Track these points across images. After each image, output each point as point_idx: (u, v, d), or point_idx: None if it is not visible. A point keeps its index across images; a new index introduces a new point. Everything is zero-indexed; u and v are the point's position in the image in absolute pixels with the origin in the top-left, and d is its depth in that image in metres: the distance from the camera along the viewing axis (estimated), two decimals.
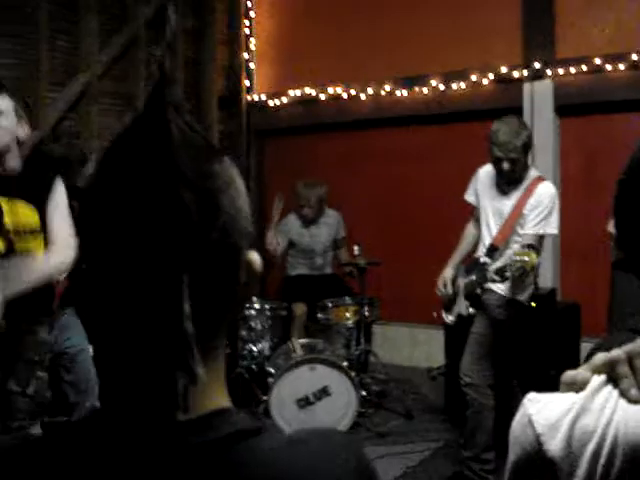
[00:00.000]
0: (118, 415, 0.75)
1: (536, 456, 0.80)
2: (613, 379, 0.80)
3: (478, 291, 3.81)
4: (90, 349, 3.63)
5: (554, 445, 0.79)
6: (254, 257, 0.80)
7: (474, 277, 3.83)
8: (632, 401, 0.78)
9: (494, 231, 3.84)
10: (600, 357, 0.82)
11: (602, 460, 0.76)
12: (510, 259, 3.48)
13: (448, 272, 4.05)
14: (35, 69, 5.32)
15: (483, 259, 3.79)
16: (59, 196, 3.27)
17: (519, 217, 3.75)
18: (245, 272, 0.78)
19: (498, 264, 3.58)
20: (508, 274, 3.49)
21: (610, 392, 0.80)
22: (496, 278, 3.57)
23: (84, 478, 0.73)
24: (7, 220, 3.19)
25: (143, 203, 0.70)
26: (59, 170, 3.56)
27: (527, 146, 3.70)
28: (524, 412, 0.83)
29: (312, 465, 0.75)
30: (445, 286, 4.01)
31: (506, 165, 3.69)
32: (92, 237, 0.74)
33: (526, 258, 3.37)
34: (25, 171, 3.26)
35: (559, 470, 0.79)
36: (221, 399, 0.78)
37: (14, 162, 3.24)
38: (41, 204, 3.24)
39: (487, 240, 3.87)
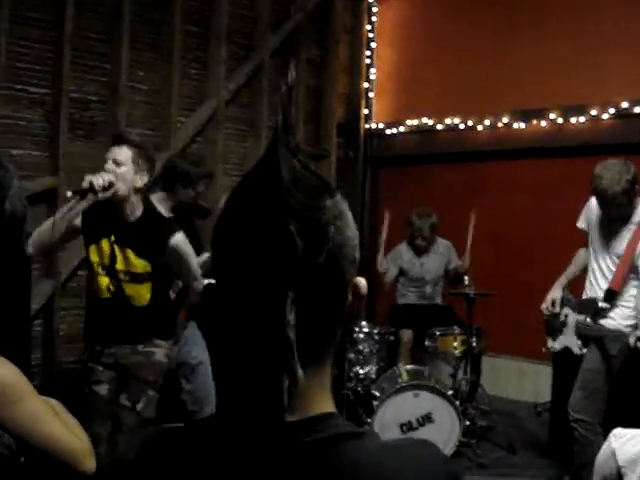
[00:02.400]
0: (233, 415, 0.87)
1: None
2: None
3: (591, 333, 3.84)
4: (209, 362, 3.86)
5: (634, 478, 0.85)
6: (360, 281, 0.91)
7: (589, 319, 3.85)
8: None
9: (608, 273, 3.83)
10: None
11: None
12: None
13: (557, 293, 4.13)
14: (167, 95, 5.66)
15: (602, 304, 3.80)
16: (180, 247, 3.42)
17: (633, 255, 3.74)
18: (351, 293, 0.90)
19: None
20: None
21: None
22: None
23: (204, 473, 0.86)
24: (119, 266, 3.41)
25: (258, 232, 0.83)
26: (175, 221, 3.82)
27: (631, 187, 3.66)
28: (609, 445, 0.90)
29: (400, 469, 0.84)
30: (554, 305, 4.08)
31: (609, 210, 3.76)
32: (219, 259, 0.89)
33: None
34: (142, 223, 3.42)
35: None
36: (326, 405, 0.89)
37: (132, 210, 3.41)
38: (153, 257, 3.41)
39: (602, 282, 3.85)
